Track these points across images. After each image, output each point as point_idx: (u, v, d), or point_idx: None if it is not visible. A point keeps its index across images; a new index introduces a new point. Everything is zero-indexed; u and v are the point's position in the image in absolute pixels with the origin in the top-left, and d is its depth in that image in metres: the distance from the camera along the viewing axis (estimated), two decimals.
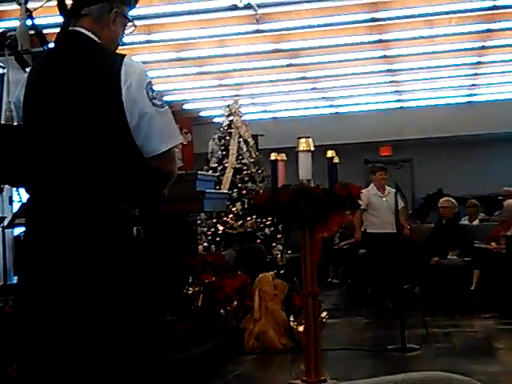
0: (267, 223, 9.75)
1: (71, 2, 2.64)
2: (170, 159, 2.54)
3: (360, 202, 9.12)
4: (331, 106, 15.56)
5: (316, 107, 15.64)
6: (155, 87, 2.50)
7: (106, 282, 2.36)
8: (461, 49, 11.64)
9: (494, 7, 9.72)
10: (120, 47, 2.73)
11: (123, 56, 2.49)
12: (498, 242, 9.37)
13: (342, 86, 14.05)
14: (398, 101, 15.35)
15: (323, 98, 14.90)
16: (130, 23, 2.71)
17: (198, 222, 8.63)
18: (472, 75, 13.50)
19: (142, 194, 2.50)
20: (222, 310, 6.55)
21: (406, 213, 10.29)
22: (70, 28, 2.59)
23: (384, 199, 9.54)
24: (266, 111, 15.67)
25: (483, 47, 11.59)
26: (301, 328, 6.29)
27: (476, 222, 11.16)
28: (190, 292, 6.49)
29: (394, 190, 8.33)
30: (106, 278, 2.36)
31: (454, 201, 10.55)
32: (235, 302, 6.78)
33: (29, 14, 4.83)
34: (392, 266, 7.98)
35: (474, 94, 14.91)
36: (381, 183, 9.81)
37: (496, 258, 9.02)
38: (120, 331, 2.38)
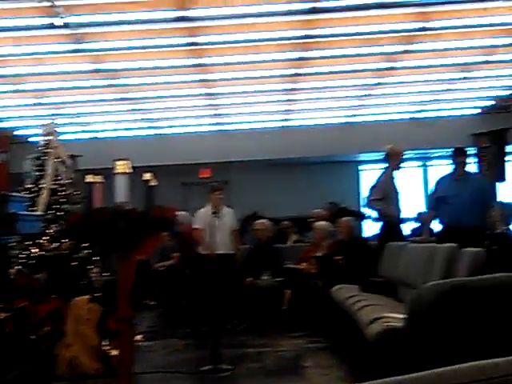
0: (84, 245, 9.62)
1: None
2: None
3: (197, 222, 9.06)
4: (151, 127, 15.61)
5: (136, 128, 15.64)
6: None
7: None
8: (275, 75, 12.08)
9: (307, 36, 10.20)
10: None
11: None
12: (309, 263, 9.75)
13: (163, 108, 14.16)
14: (217, 124, 15.65)
15: (143, 119, 14.92)
16: None
17: (11, 244, 8.37)
18: (286, 101, 14.02)
19: None
20: (33, 336, 6.38)
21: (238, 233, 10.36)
22: None
23: (220, 219, 9.35)
24: (84, 131, 15.45)
25: (297, 74, 12.07)
26: (114, 352, 6.24)
27: (289, 243, 11.56)
28: (0, 317, 6.29)
29: (231, 210, 8.37)
30: None
31: (268, 223, 10.87)
32: (48, 327, 6.63)
33: None
34: (216, 286, 8.01)
35: (289, 119, 15.49)
36: (218, 202, 9.77)
37: (307, 278, 9.37)
38: None
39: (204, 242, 9.40)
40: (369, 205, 8.95)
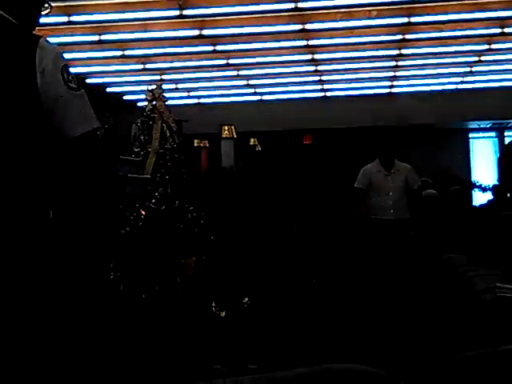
0: (191, 208, 9.72)
1: None
2: (88, 142, 2.50)
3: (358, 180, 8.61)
4: (255, 93, 15.62)
5: (240, 94, 15.69)
6: (76, 70, 2.47)
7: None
8: (381, 41, 11.85)
9: (414, 1, 9.96)
10: (40, 28, 2.68)
11: (38, 38, 2.43)
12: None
13: (266, 74, 14.13)
14: (321, 90, 15.53)
15: (247, 85, 14.95)
16: (46, 4, 2.65)
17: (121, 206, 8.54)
18: (392, 67, 13.77)
19: (60, 177, 2.46)
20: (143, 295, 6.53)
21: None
22: None
23: (392, 177, 8.56)
24: (189, 97, 15.62)
25: (403, 40, 11.81)
26: (222, 313, 6.31)
27: None
28: (112, 277, 6.45)
29: (409, 167, 8.03)
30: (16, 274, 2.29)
31: None
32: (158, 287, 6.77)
33: None
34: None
35: (394, 86, 15.22)
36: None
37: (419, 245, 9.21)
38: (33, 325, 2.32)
39: (365, 205, 8.60)
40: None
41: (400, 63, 13.45)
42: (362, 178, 8.67)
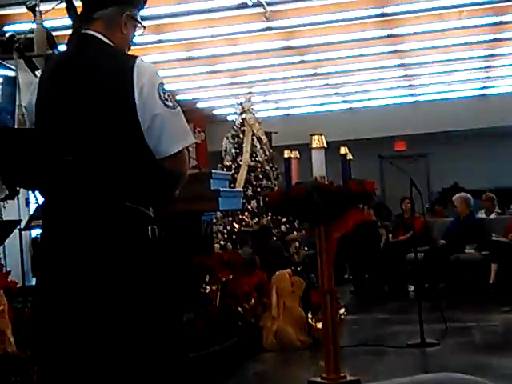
0: (283, 220, 9.74)
1: (81, 5, 2.64)
2: (182, 160, 2.53)
3: None
4: (344, 101, 15.54)
5: (328, 103, 15.62)
6: (167, 87, 2.51)
7: (121, 283, 2.36)
8: (473, 42, 11.59)
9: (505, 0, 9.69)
10: (132, 47, 2.73)
11: (135, 58, 2.49)
12: None
13: (355, 82, 14.03)
14: (412, 95, 15.31)
15: (336, 93, 14.88)
16: (139, 25, 2.70)
17: (214, 220, 8.62)
18: (485, 68, 13.45)
19: (154, 195, 2.51)
20: (239, 308, 6.55)
21: None
22: (82, 31, 2.59)
23: None
24: (278, 108, 15.67)
25: (495, 39, 11.53)
26: (319, 325, 6.27)
27: (493, 216, 11.10)
28: (207, 291, 6.50)
29: None
30: (121, 279, 2.36)
31: (466, 195, 10.48)
32: (253, 300, 6.78)
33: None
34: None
35: (488, 87, 14.85)
36: None
37: None
38: (137, 332, 2.38)
39: None
40: None
41: (492, 63, 13.12)
42: None
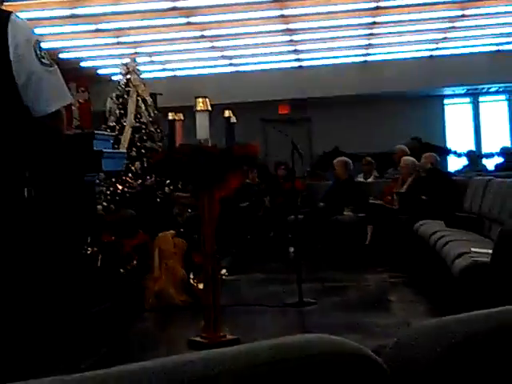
0: (167, 182, 9.74)
1: None
2: (60, 119, 2.52)
3: None
4: (230, 64, 15.57)
5: (215, 66, 15.62)
6: (48, 45, 2.48)
7: None
8: (355, 9, 11.85)
9: None
10: (12, 3, 2.68)
11: (9, 14, 2.44)
12: (391, 198, 9.70)
13: (241, 45, 14.08)
14: (296, 60, 15.50)
15: (222, 56, 14.89)
16: None
17: (97, 181, 8.52)
18: (367, 35, 13.76)
19: (32, 154, 2.49)
20: (121, 270, 6.57)
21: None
22: None
23: None
24: (164, 70, 15.55)
25: (377, 7, 11.81)
26: (201, 285, 6.38)
27: (371, 179, 11.49)
28: (88, 252, 6.46)
29: None
30: None
31: (346, 159, 10.78)
32: (135, 261, 6.81)
33: None
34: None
35: (369, 54, 15.21)
36: None
37: (389, 213, 9.32)
38: (13, 289, 2.38)
39: None
40: None
41: (374, 31, 13.44)
42: None
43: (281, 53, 14.88)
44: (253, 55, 14.90)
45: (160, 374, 0.95)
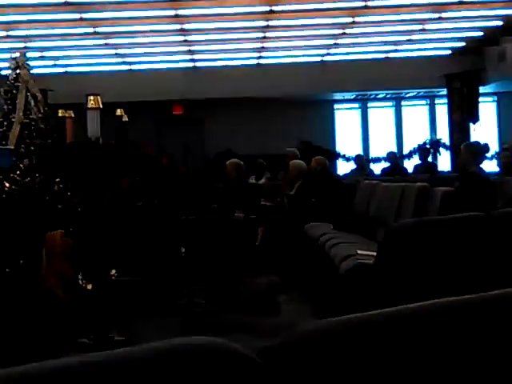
0: (57, 180, 9.55)
1: None
2: None
3: None
4: (123, 63, 15.42)
5: (108, 63, 15.44)
6: None
7: None
8: (248, 12, 11.99)
9: None
10: None
11: None
12: (282, 200, 9.84)
13: (135, 44, 13.98)
14: (191, 60, 15.51)
15: (116, 54, 14.74)
16: None
17: None
18: (260, 38, 13.92)
19: None
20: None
21: None
22: None
23: None
24: (55, 66, 15.24)
25: (271, 11, 11.96)
26: (89, 286, 6.30)
27: (263, 181, 11.62)
28: None
29: None
30: None
31: (237, 161, 10.85)
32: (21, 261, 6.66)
33: None
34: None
35: (263, 57, 15.40)
36: None
37: (280, 215, 9.45)
38: None
39: None
40: None
41: (268, 34, 13.61)
42: None
43: (176, 53, 14.86)
44: (147, 54, 14.81)
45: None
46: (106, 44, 13.87)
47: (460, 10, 12.56)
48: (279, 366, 1.11)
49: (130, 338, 5.14)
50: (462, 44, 14.95)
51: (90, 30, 12.75)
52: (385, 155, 14.83)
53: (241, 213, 10.02)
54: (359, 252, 5.88)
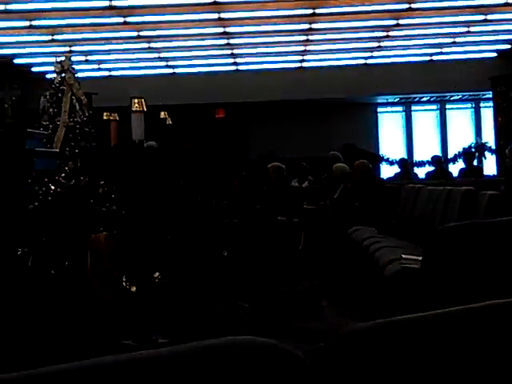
0: (101, 183, 9.61)
1: None
2: None
3: None
4: (166, 66, 15.51)
5: (151, 67, 15.55)
6: None
7: None
8: (292, 15, 11.96)
9: None
10: None
11: None
12: (325, 204, 9.78)
13: (178, 47, 14.05)
14: (234, 64, 15.54)
15: (158, 58, 14.83)
16: None
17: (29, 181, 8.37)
18: (303, 41, 13.89)
19: None
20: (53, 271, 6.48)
21: None
22: None
23: None
24: (100, 69, 15.39)
25: (314, 14, 11.93)
26: (133, 288, 6.33)
27: (305, 184, 11.56)
28: (19, 253, 6.36)
29: None
30: None
31: (280, 164, 10.82)
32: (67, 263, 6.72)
33: None
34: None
35: (305, 60, 15.36)
36: None
37: (323, 219, 9.40)
38: None
39: None
40: None
41: (310, 37, 13.58)
42: None
43: (218, 56, 14.89)
44: (189, 57, 14.87)
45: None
46: (149, 47, 13.96)
47: (505, 12, 12.40)
48: (327, 366, 1.10)
49: (174, 341, 5.14)
50: (508, 46, 14.75)
51: (134, 33, 12.85)
52: (429, 159, 14.69)
53: (283, 217, 9.99)
54: (404, 256, 5.82)
